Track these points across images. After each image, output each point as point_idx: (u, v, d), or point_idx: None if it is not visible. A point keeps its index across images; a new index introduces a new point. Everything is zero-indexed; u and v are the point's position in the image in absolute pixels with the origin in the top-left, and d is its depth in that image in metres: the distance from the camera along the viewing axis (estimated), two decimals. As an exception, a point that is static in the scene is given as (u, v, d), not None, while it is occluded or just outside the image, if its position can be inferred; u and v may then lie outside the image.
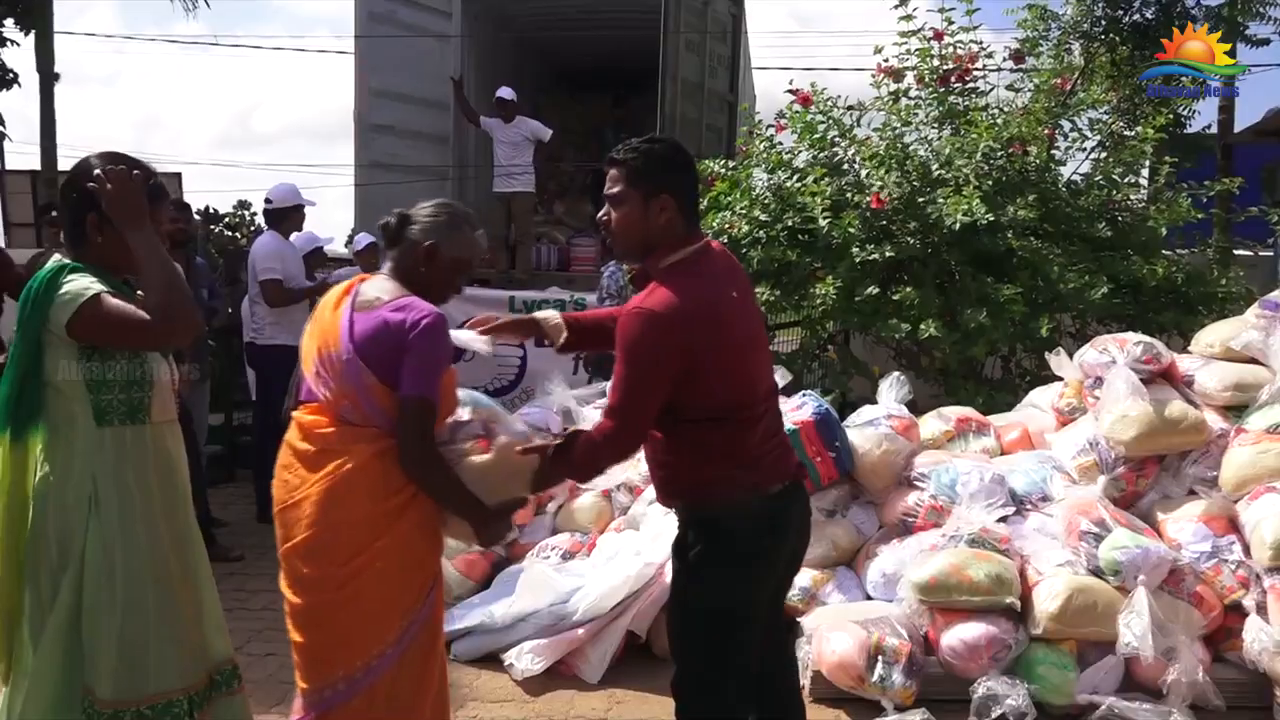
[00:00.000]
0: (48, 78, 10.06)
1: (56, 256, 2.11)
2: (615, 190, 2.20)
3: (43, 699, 1.98)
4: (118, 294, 2.05)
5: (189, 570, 2.16)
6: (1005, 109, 6.00)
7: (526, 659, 3.51)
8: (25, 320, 2.01)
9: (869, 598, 3.63)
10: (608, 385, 5.68)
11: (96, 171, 2.02)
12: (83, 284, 2.00)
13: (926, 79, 5.84)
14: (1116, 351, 3.77)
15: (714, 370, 2.14)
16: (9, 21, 10.48)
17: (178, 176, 10.04)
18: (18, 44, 10.79)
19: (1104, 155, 6.15)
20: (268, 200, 5.76)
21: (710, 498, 2.23)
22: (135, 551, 2.04)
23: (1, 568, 2.04)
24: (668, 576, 3.61)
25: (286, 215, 5.78)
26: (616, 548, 4.05)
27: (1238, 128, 10.31)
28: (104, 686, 1.99)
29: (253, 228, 13.95)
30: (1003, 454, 4.08)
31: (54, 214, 4.46)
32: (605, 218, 2.25)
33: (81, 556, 1.99)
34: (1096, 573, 3.31)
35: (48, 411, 2.03)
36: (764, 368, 2.33)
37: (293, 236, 5.92)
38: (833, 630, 3.35)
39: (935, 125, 5.81)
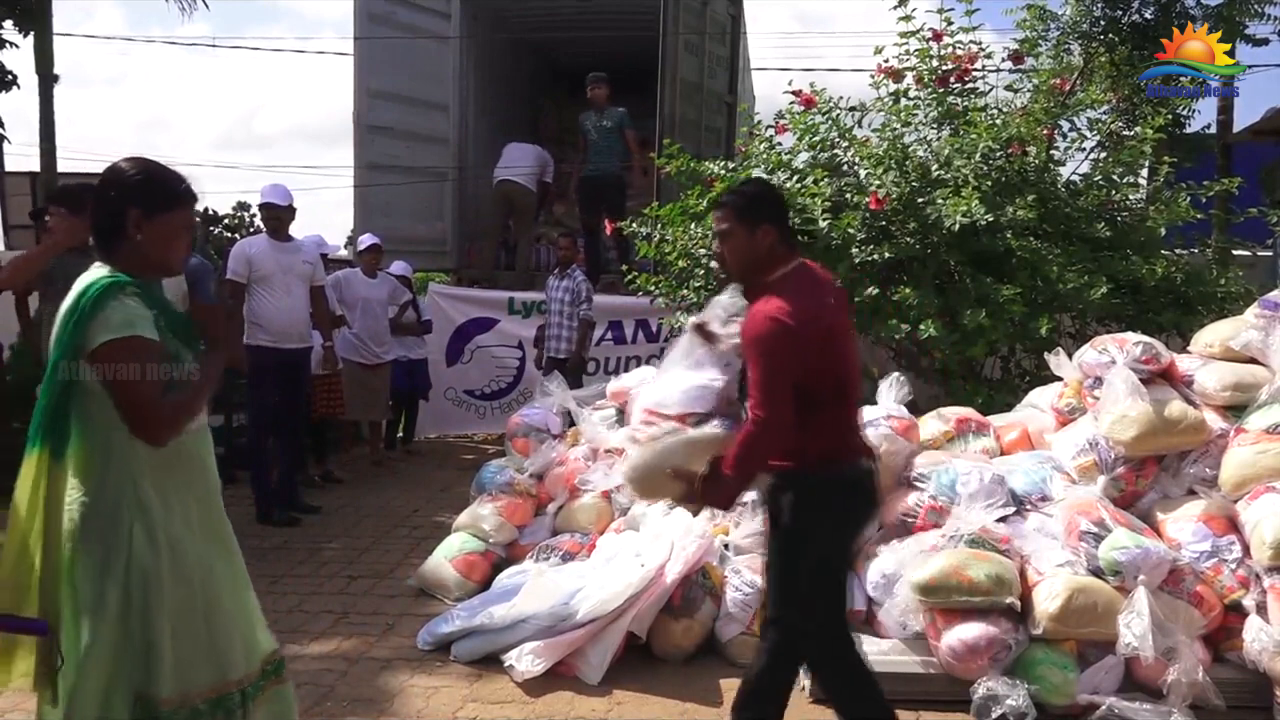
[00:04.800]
0: (47, 79, 10.05)
1: (96, 265, 2.12)
2: (723, 227, 2.65)
3: (92, 703, 2.00)
4: (157, 347, 2.05)
5: (229, 568, 2.22)
6: (1004, 109, 6.00)
7: (527, 660, 3.51)
8: (70, 333, 2.00)
9: (869, 598, 3.63)
10: (606, 386, 5.69)
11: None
12: (128, 315, 2.01)
13: (926, 79, 5.84)
14: (1116, 351, 3.77)
15: (816, 364, 2.52)
16: (8, 23, 10.48)
17: (177, 178, 10.04)
18: (17, 46, 10.78)
19: (1103, 155, 6.14)
20: None
21: (812, 466, 2.60)
22: (180, 554, 2.08)
23: (47, 579, 2.05)
24: (668, 577, 3.65)
25: (261, 215, 5.89)
26: (616, 548, 4.05)
27: (1237, 127, 10.31)
28: (162, 686, 2.03)
29: (252, 229, 13.96)
30: (1002, 454, 4.08)
31: (47, 219, 4.47)
32: (718, 250, 2.70)
33: (127, 562, 2.02)
34: (1096, 573, 3.31)
35: (85, 421, 2.04)
36: (856, 359, 2.75)
37: (301, 239, 5.95)
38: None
39: (934, 126, 5.81)
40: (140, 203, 2.09)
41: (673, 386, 2.78)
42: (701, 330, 2.84)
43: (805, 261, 2.68)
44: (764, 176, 3.06)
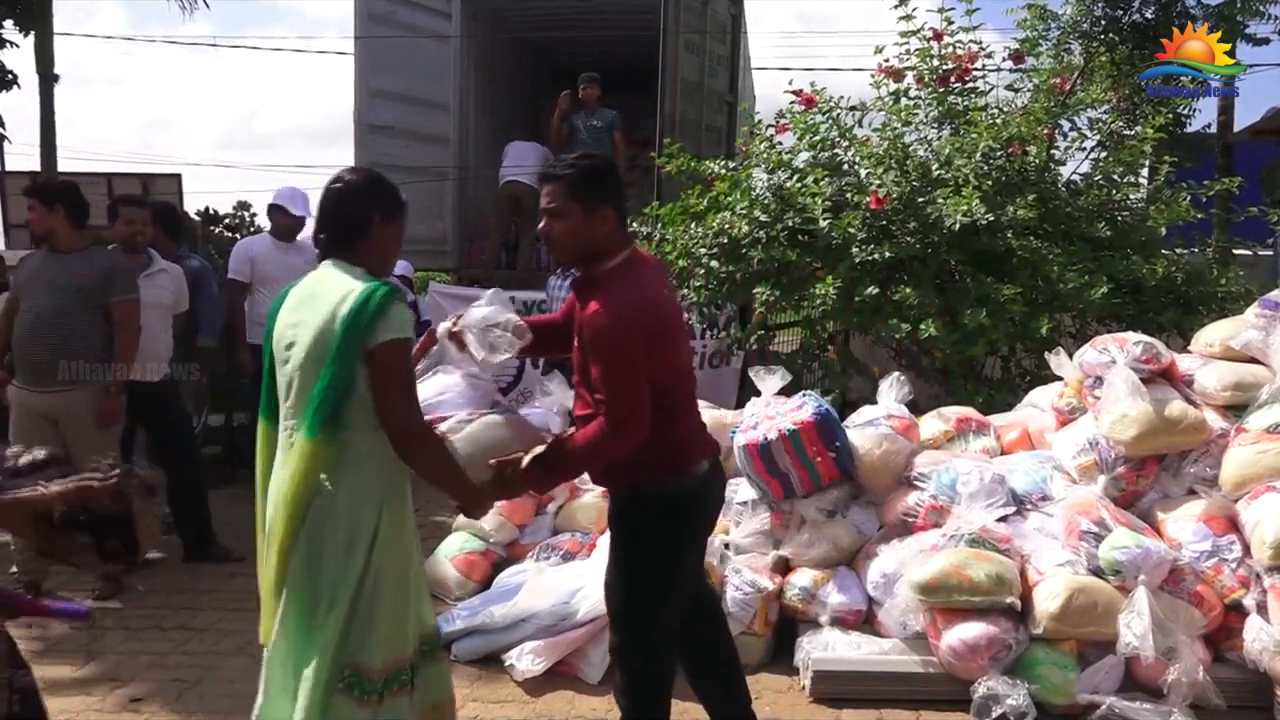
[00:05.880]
0: (47, 79, 10.05)
1: (332, 265, 2.28)
2: (556, 204, 2.41)
3: (321, 674, 2.16)
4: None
5: (417, 541, 2.41)
6: (1005, 109, 6.00)
7: (527, 659, 3.51)
8: (355, 335, 2.16)
9: (869, 598, 3.64)
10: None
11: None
12: (403, 319, 2.20)
13: (926, 79, 5.84)
14: (1116, 351, 3.77)
15: (661, 358, 2.37)
16: (8, 23, 10.47)
17: (177, 178, 10.04)
18: (17, 45, 10.78)
19: (1104, 155, 6.15)
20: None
21: (651, 477, 2.46)
22: (402, 539, 2.29)
23: (280, 551, 2.22)
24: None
25: (270, 217, 6.01)
26: (617, 548, 4.05)
27: (1237, 127, 10.32)
28: (373, 657, 2.20)
29: (252, 229, 13.96)
30: (1003, 454, 4.08)
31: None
32: (547, 229, 2.45)
33: (370, 545, 2.20)
34: (1097, 572, 3.31)
35: (350, 416, 2.21)
36: (689, 351, 2.64)
37: (304, 240, 5.98)
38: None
39: (935, 125, 5.82)
40: (381, 208, 2.32)
41: (439, 386, 2.64)
42: (456, 339, 2.64)
43: (636, 249, 2.54)
44: (606, 156, 2.82)
